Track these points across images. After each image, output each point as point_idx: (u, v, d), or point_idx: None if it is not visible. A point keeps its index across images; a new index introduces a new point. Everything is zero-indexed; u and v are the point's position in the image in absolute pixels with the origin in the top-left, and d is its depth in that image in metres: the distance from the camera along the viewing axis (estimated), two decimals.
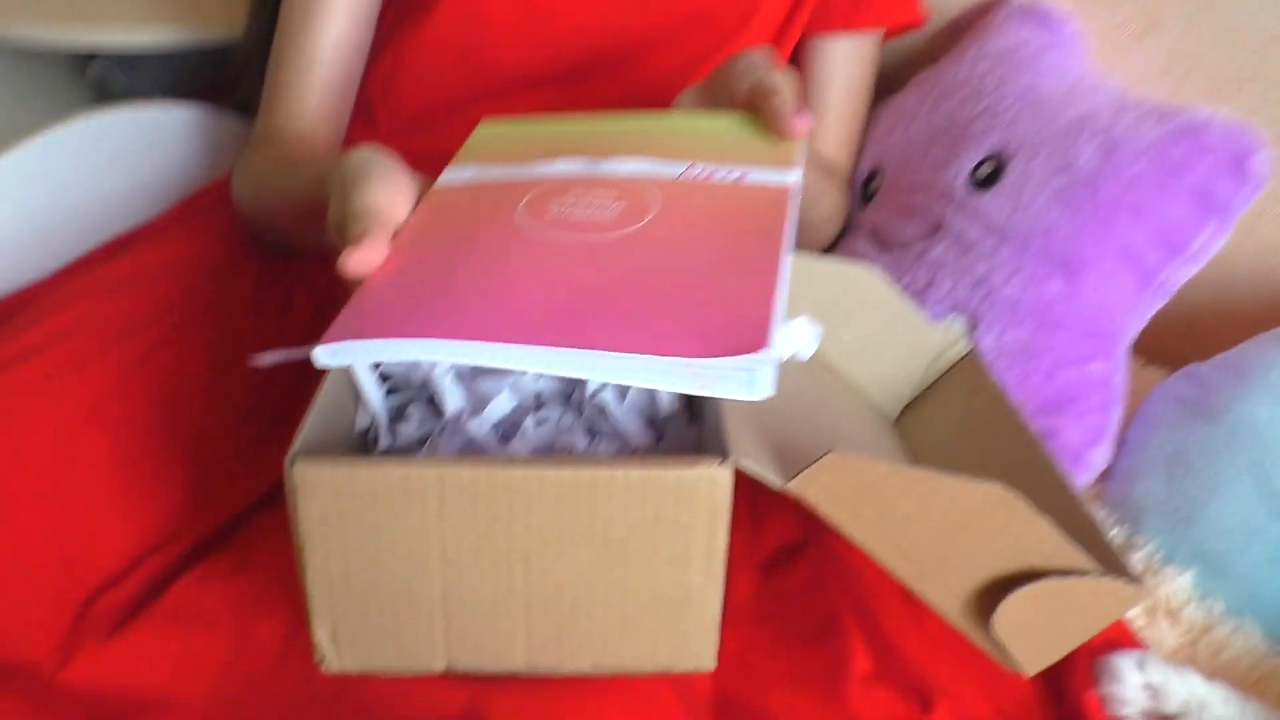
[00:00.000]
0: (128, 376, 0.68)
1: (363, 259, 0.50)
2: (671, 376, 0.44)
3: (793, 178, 0.57)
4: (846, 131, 0.89)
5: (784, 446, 0.54)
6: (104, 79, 1.33)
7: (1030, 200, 0.75)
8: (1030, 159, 0.77)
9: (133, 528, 0.63)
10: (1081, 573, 0.50)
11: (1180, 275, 0.74)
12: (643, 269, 0.50)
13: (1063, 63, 0.83)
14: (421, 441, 0.61)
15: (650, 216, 0.54)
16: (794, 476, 0.49)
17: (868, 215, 0.88)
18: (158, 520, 0.64)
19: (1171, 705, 0.58)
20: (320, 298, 0.81)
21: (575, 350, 0.45)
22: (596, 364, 0.45)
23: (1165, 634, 0.65)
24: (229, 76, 1.30)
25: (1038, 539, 0.50)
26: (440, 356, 0.46)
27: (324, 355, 0.47)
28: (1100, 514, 0.56)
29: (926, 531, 0.50)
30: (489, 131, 0.65)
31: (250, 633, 0.59)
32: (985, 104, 0.82)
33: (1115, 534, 0.71)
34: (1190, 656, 0.64)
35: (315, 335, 0.80)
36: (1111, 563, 0.52)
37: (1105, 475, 0.75)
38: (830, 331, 0.73)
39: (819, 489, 0.49)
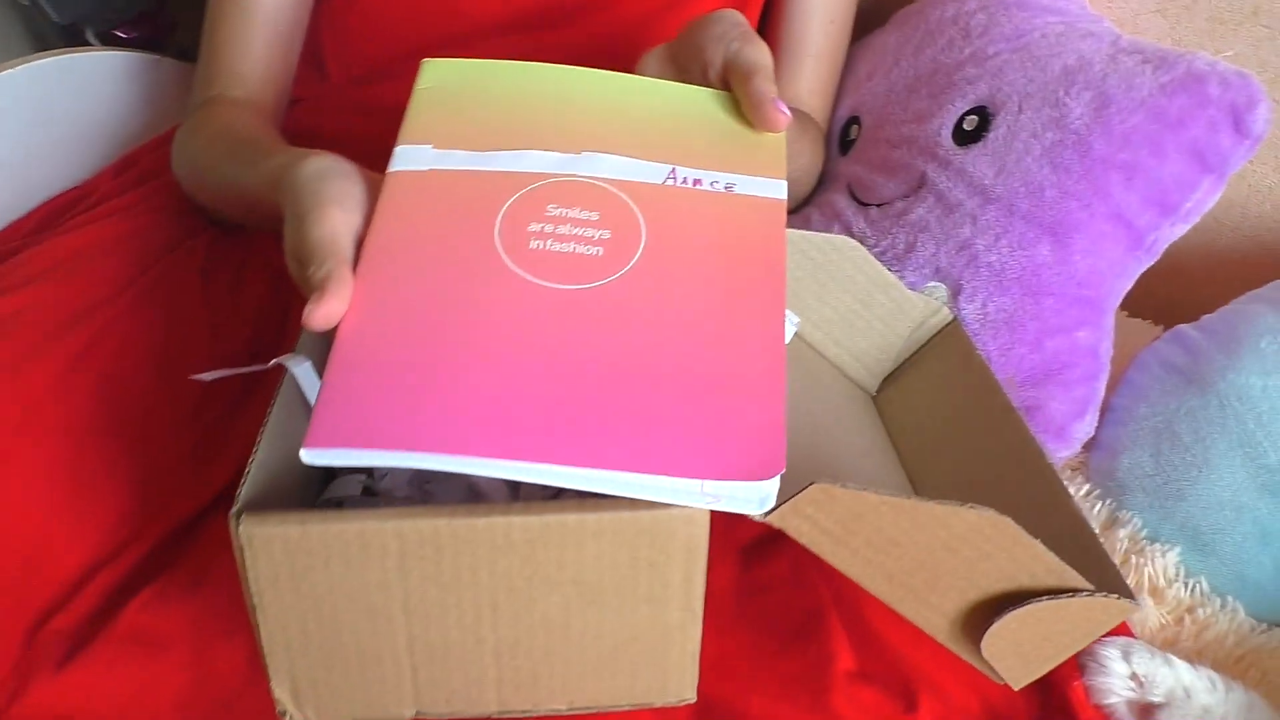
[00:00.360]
0: (66, 376, 0.64)
1: (329, 313, 0.46)
2: (682, 494, 0.43)
3: (783, 190, 0.54)
4: (824, 75, 0.84)
5: None
6: (33, 9, 1.25)
7: (1018, 159, 0.71)
8: (1018, 112, 0.72)
9: (78, 543, 0.60)
10: (1075, 592, 0.48)
11: (1171, 235, 0.71)
12: (640, 346, 0.46)
13: (1055, 2, 0.78)
14: None
15: (639, 253, 0.50)
16: (775, 509, 0.46)
17: (846, 167, 0.83)
18: (105, 532, 0.61)
19: (1157, 694, 0.57)
20: (274, 274, 0.76)
21: (577, 469, 0.42)
22: (606, 481, 0.42)
23: (1150, 613, 0.64)
24: (167, 19, 1.22)
25: (1030, 560, 0.48)
26: (438, 467, 0.43)
27: (310, 458, 0.43)
28: (1082, 513, 0.54)
29: (914, 557, 0.48)
30: (437, 83, 0.58)
31: (210, 659, 0.56)
32: (972, 49, 0.77)
33: (1100, 508, 0.70)
34: (1175, 635, 0.64)
35: (269, 318, 0.76)
36: (1098, 566, 0.51)
37: (1090, 445, 0.73)
38: (807, 306, 0.70)
39: (801, 520, 0.47)
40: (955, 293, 0.73)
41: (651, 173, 0.53)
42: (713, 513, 0.45)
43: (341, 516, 0.44)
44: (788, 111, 0.56)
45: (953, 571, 0.48)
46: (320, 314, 0.46)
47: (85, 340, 0.66)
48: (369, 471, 0.58)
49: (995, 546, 0.47)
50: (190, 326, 0.71)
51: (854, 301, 0.70)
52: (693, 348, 0.46)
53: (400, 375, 0.45)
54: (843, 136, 0.86)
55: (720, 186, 0.53)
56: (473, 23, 0.80)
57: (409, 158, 0.53)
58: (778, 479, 0.43)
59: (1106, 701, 0.58)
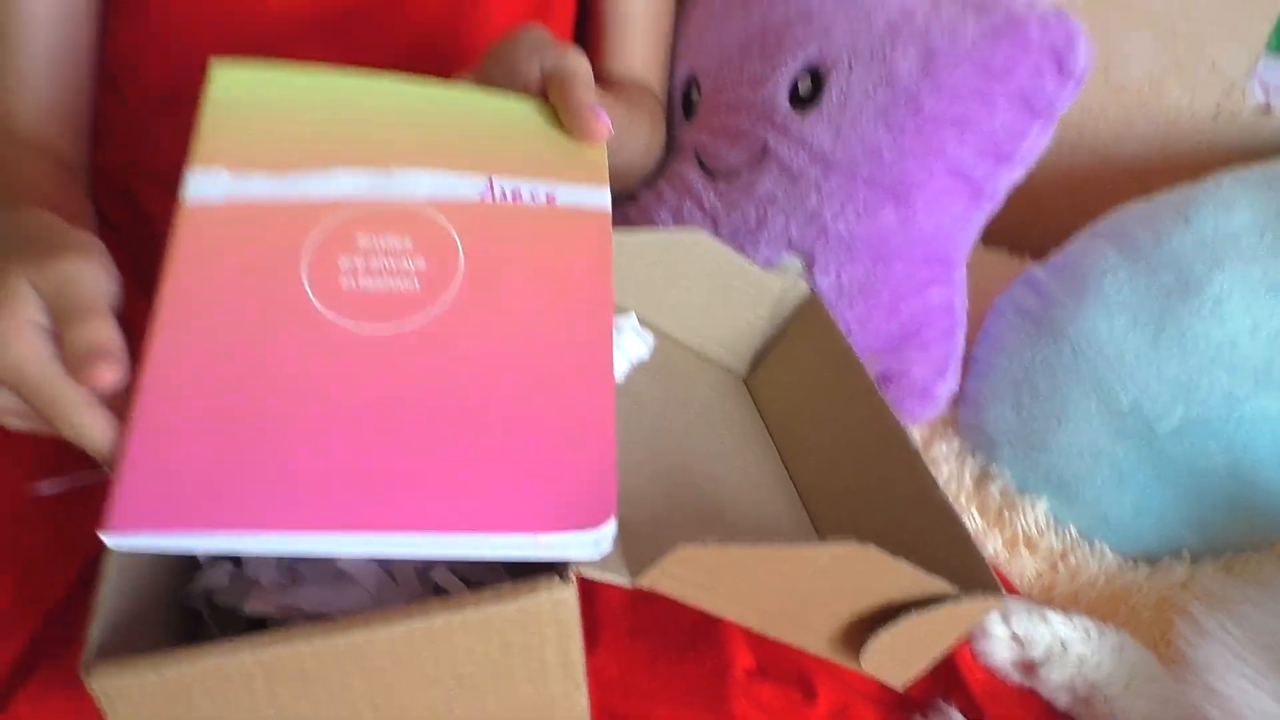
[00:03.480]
0: None
1: (107, 428, 0.43)
2: (514, 549, 0.42)
3: (606, 199, 0.52)
4: (654, 44, 0.81)
5: (630, 512, 0.51)
6: None
7: (853, 122, 0.70)
8: (849, 71, 0.71)
9: None
10: (941, 599, 0.49)
11: (1009, 181, 0.71)
12: (463, 392, 0.44)
13: None
14: None
15: (456, 283, 0.48)
16: (641, 573, 0.46)
17: (691, 133, 0.82)
18: None
19: (1037, 651, 0.60)
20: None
21: (405, 534, 0.41)
22: (432, 545, 0.41)
23: (1026, 563, 0.67)
24: None
25: (896, 579, 0.49)
26: (249, 550, 0.41)
27: (112, 543, 0.41)
28: (944, 496, 0.55)
29: (786, 594, 0.48)
30: (230, 91, 0.53)
31: None
32: (798, 5, 0.75)
33: (971, 464, 0.71)
34: (1051, 582, 0.66)
35: None
36: (963, 553, 0.52)
37: (958, 400, 0.74)
38: (666, 302, 0.69)
39: (671, 580, 0.47)
40: (809, 265, 0.72)
41: (467, 187, 0.51)
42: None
43: (198, 653, 0.43)
44: (609, 120, 0.54)
45: (824, 600, 0.49)
46: (102, 427, 0.43)
47: None
48: (235, 560, 0.56)
49: (862, 573, 0.48)
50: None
51: (712, 290, 0.69)
52: (517, 390, 0.45)
53: (206, 445, 0.42)
54: (685, 100, 0.83)
55: (541, 198, 0.51)
56: (270, 29, 0.75)
57: (202, 185, 0.49)
58: (611, 523, 0.42)
59: (992, 663, 0.60)
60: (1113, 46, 0.79)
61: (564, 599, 0.44)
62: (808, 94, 0.73)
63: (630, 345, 0.60)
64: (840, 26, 0.72)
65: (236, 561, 0.56)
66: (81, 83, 0.75)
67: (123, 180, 0.79)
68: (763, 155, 0.74)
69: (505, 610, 0.44)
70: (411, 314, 0.46)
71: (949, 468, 0.70)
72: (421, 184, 0.50)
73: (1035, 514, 0.67)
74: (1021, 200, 0.84)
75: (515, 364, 0.45)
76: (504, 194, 0.51)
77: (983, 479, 0.70)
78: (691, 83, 0.83)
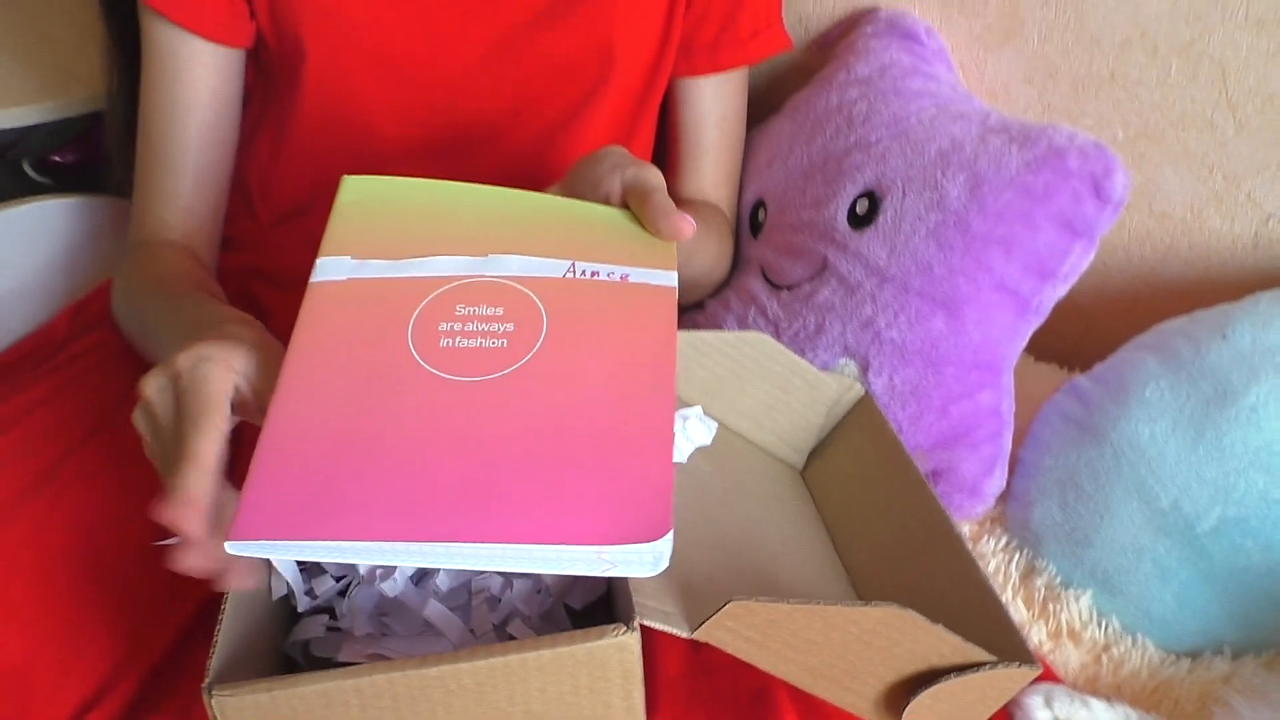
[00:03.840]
0: (38, 530, 0.68)
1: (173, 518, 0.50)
2: (578, 563, 0.47)
3: (673, 279, 0.58)
4: (724, 168, 0.89)
5: (691, 576, 0.56)
6: None
7: (906, 240, 0.77)
8: (903, 196, 0.78)
9: (66, 683, 0.63)
10: (979, 665, 0.53)
11: (1054, 296, 0.76)
12: (541, 426, 0.51)
13: (928, 85, 0.84)
14: (342, 594, 0.62)
15: (540, 342, 0.55)
16: (699, 626, 0.51)
17: (757, 249, 0.89)
18: (89, 674, 0.65)
19: None
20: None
21: (483, 545, 0.46)
22: (505, 557, 0.47)
23: (1070, 655, 0.69)
24: (97, 138, 1.26)
25: (936, 643, 0.53)
26: (352, 557, 0.47)
27: (234, 550, 0.48)
28: (987, 580, 0.59)
29: (831, 653, 0.53)
30: (356, 198, 0.62)
31: None
32: (856, 136, 0.83)
33: (1019, 559, 0.75)
34: (1094, 674, 0.69)
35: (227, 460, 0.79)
36: (1002, 631, 0.56)
37: (1005, 498, 0.78)
38: (730, 398, 0.75)
39: (724, 633, 0.51)
40: (864, 368, 0.78)
41: (552, 268, 0.58)
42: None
43: (305, 679, 0.48)
44: (692, 221, 0.60)
45: (867, 661, 0.53)
46: (168, 516, 0.50)
47: (52, 495, 0.70)
48: (331, 612, 0.62)
49: (902, 635, 0.52)
50: (148, 470, 0.75)
51: (772, 388, 0.75)
52: (588, 424, 0.51)
53: (319, 472, 0.49)
54: (752, 220, 0.91)
55: (616, 277, 0.58)
56: (385, 152, 0.84)
57: (329, 269, 0.58)
58: (669, 538, 0.46)
59: None
60: (1153, 177, 0.85)
61: (629, 645, 0.49)
62: (865, 214, 0.80)
63: (694, 430, 0.66)
64: (895, 155, 0.79)
65: (332, 614, 0.62)
66: (220, 199, 0.85)
67: (244, 282, 0.88)
68: (822, 269, 0.81)
69: (575, 653, 0.49)
70: (499, 368, 0.53)
71: (996, 561, 0.74)
72: (513, 266, 0.58)
73: (1079, 607, 0.70)
74: (1072, 318, 0.89)
75: (587, 405, 0.52)
76: (584, 273, 0.58)
77: (1029, 573, 0.74)
78: (759, 205, 0.90)
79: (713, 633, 0.51)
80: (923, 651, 0.53)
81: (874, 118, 0.82)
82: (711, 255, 0.84)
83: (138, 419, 0.56)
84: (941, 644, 0.53)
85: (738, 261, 0.91)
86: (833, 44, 0.93)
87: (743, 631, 0.51)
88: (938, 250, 0.76)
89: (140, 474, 0.74)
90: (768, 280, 0.86)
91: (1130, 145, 0.85)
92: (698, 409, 0.69)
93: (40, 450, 0.73)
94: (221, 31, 0.79)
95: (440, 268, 0.58)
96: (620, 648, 0.49)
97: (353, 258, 0.58)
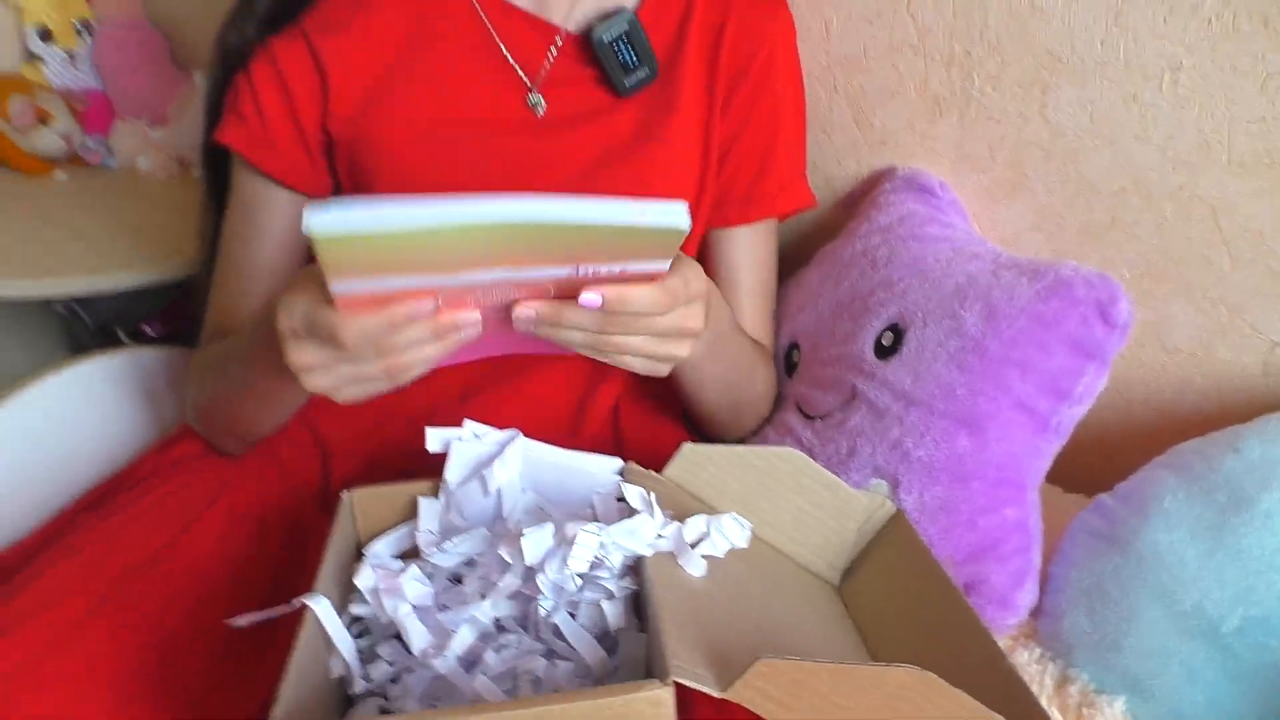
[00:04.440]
0: (117, 634, 0.73)
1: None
2: (620, 212, 0.57)
3: (666, 265, 0.64)
4: (762, 308, 0.97)
5: (724, 649, 0.59)
6: (70, 318, 1.41)
7: (929, 366, 0.83)
8: (924, 326, 0.84)
9: None
10: None
11: (1072, 416, 0.81)
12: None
13: (944, 231, 0.92)
14: (394, 680, 0.66)
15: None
16: (730, 685, 0.54)
17: (792, 387, 0.95)
18: None
19: None
20: (290, 524, 0.86)
21: (537, 198, 0.55)
22: (558, 208, 0.56)
23: None
24: (188, 313, 1.38)
25: (957, 707, 0.55)
26: (414, 217, 0.54)
27: (311, 218, 0.52)
28: (1012, 665, 0.61)
29: (857, 714, 0.55)
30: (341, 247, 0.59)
31: None
32: (880, 277, 0.90)
33: (1052, 669, 0.76)
34: None
35: (284, 571, 0.85)
36: (1024, 708, 0.58)
37: (1037, 612, 0.80)
38: (763, 511, 0.79)
39: (754, 692, 0.54)
40: (895, 486, 0.82)
41: (561, 271, 0.63)
42: (682, 686, 0.53)
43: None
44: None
45: None
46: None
47: (131, 600, 0.75)
48: (384, 694, 0.65)
49: (925, 699, 0.55)
50: (215, 579, 0.80)
51: (804, 503, 0.79)
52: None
53: None
54: (787, 361, 0.97)
55: (615, 270, 0.63)
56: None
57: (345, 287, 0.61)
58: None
59: None
60: (1162, 313, 0.91)
61: (663, 700, 0.53)
62: (890, 345, 0.86)
63: (729, 528, 0.70)
64: (915, 291, 0.86)
65: (385, 695, 0.65)
66: None
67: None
68: (852, 397, 0.87)
69: (614, 703, 0.52)
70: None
71: (1030, 672, 0.75)
72: (530, 273, 0.62)
73: (1113, 711, 0.71)
74: (1097, 450, 0.93)
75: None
76: (587, 271, 0.63)
77: (1063, 682, 0.75)
78: (793, 346, 0.97)
79: (742, 692, 0.54)
80: (945, 715, 0.55)
81: (895, 260, 0.90)
82: (763, 384, 0.90)
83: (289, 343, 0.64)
84: (962, 708, 0.55)
85: (776, 401, 0.97)
86: (856, 201, 1.02)
87: (771, 692, 0.54)
88: (959, 374, 0.81)
89: (209, 589, 0.80)
90: (802, 413, 0.91)
91: (1136, 284, 0.91)
92: (733, 513, 0.73)
93: (115, 564, 0.79)
94: (302, 181, 0.90)
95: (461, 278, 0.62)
96: (654, 702, 0.53)
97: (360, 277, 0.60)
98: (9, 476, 0.98)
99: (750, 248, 0.95)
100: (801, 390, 0.93)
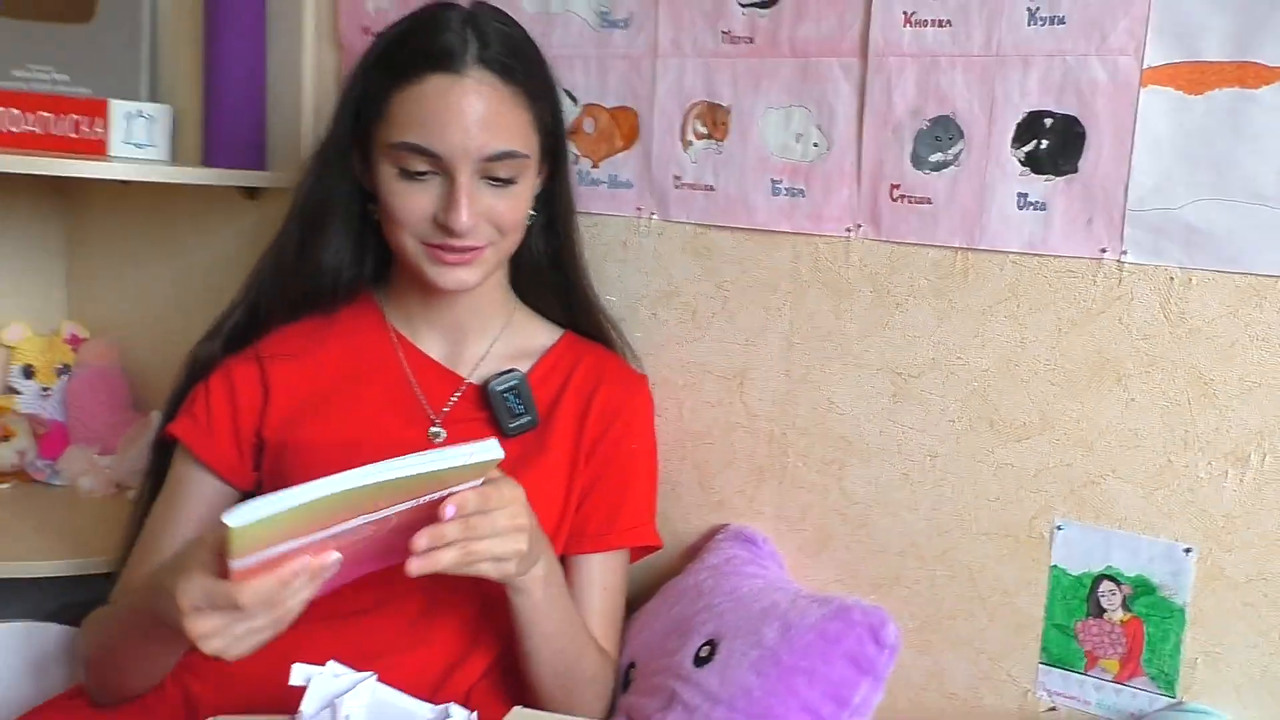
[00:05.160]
0: None
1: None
2: (453, 457, 0.78)
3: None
4: (607, 627, 1.11)
5: None
6: None
7: (734, 672, 0.98)
8: (733, 640, 1.00)
9: None
10: None
11: None
12: None
13: (760, 571, 1.11)
14: None
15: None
16: None
17: (626, 699, 1.08)
18: None
19: None
20: None
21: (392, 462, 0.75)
22: (410, 463, 0.76)
23: None
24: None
25: None
26: (304, 494, 0.71)
27: (228, 516, 0.69)
28: None
29: None
30: (249, 532, 0.73)
31: None
32: (704, 603, 1.07)
33: None
34: None
35: None
36: None
37: None
38: None
39: None
40: None
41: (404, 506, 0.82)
42: None
43: None
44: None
45: None
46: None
47: None
48: None
49: None
50: None
51: None
52: None
53: None
54: (625, 679, 1.11)
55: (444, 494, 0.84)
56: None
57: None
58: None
59: None
60: (939, 661, 1.08)
61: None
62: (707, 656, 1.01)
63: None
64: (730, 613, 1.04)
65: None
66: None
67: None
68: (670, 699, 1.00)
69: None
70: None
71: None
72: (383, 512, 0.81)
73: None
74: None
75: None
76: (422, 501, 0.83)
77: None
78: (631, 666, 1.11)
79: None
80: None
81: (717, 590, 1.08)
82: (592, 665, 1.05)
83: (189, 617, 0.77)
84: None
85: (611, 710, 1.09)
86: (696, 552, 1.21)
87: None
88: (756, 678, 0.96)
89: None
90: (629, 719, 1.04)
91: (918, 635, 1.09)
92: None
93: None
94: (229, 471, 1.08)
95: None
96: None
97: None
98: None
99: (601, 573, 1.12)
100: (633, 700, 1.06)
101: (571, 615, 1.03)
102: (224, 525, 0.70)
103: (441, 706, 0.84)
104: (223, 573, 0.76)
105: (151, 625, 0.88)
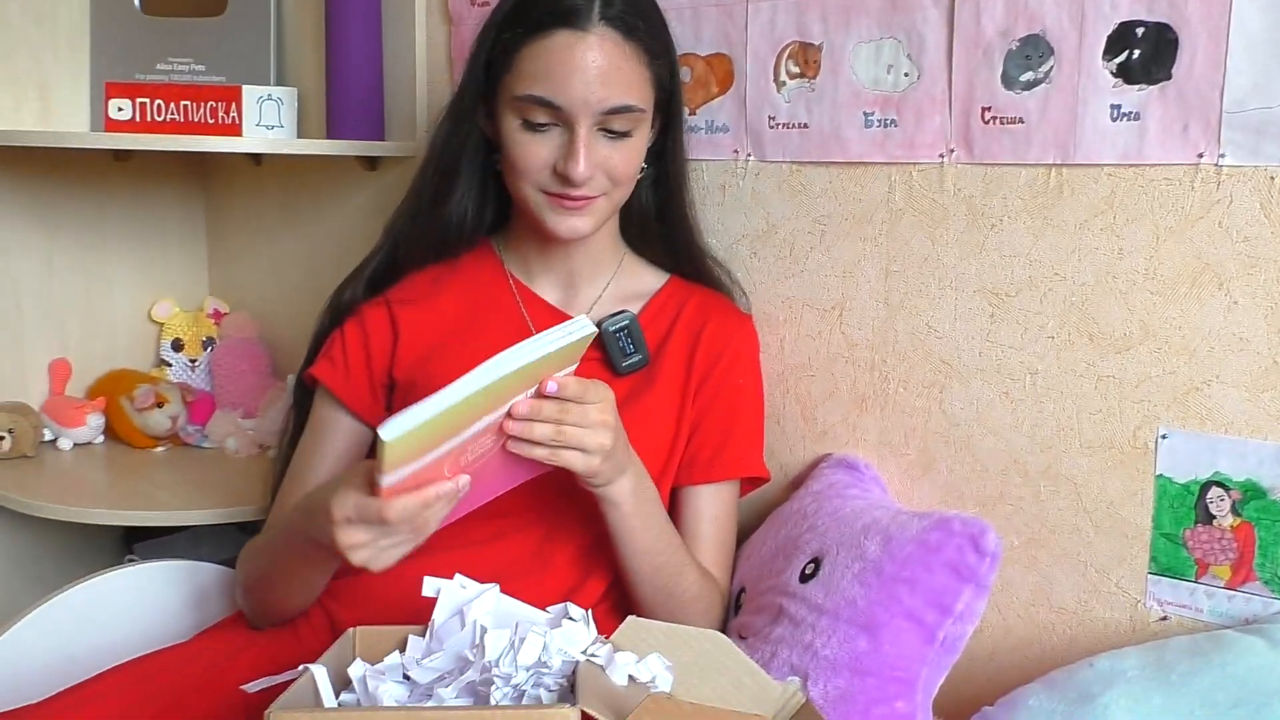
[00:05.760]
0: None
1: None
2: (560, 337, 0.86)
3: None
4: (717, 555, 1.16)
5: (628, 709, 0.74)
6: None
7: (838, 584, 1.01)
8: (836, 555, 1.03)
9: None
10: None
11: (957, 633, 0.97)
12: None
13: (862, 493, 1.14)
14: None
15: None
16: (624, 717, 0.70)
17: (737, 621, 1.12)
18: None
19: None
20: None
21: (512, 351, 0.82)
22: (529, 347, 0.83)
23: None
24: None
25: None
26: (447, 397, 0.78)
27: (383, 429, 0.75)
28: None
29: None
30: (402, 444, 0.79)
31: None
32: (807, 524, 1.11)
33: None
34: None
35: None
36: None
37: None
38: (692, 687, 0.94)
39: None
40: (805, 680, 0.97)
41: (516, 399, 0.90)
42: None
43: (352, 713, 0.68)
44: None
45: None
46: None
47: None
48: None
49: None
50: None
51: (727, 683, 0.94)
52: None
53: None
54: (736, 603, 1.15)
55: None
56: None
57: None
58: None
59: None
60: (1047, 576, 1.09)
61: (569, 716, 0.69)
62: (811, 572, 1.05)
63: (653, 664, 0.86)
64: (833, 531, 1.07)
65: None
66: None
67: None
68: (778, 614, 1.04)
69: (531, 714, 0.68)
70: None
71: None
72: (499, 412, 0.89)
73: None
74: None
75: None
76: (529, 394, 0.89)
77: None
78: (741, 591, 1.15)
79: None
80: None
81: (820, 512, 1.11)
82: (693, 583, 1.09)
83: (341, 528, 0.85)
84: None
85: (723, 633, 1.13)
86: (802, 481, 1.24)
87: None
88: (860, 589, 0.99)
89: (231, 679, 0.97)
90: (740, 638, 1.08)
91: (1024, 551, 1.10)
92: (655, 656, 0.89)
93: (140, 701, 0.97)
94: (364, 411, 1.16)
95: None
96: (563, 717, 0.69)
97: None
98: (59, 659, 1.16)
99: (711, 504, 1.16)
100: (744, 620, 1.10)
101: (667, 532, 1.07)
102: (379, 440, 0.77)
103: (559, 605, 0.89)
104: (373, 493, 0.83)
105: (304, 546, 0.96)
